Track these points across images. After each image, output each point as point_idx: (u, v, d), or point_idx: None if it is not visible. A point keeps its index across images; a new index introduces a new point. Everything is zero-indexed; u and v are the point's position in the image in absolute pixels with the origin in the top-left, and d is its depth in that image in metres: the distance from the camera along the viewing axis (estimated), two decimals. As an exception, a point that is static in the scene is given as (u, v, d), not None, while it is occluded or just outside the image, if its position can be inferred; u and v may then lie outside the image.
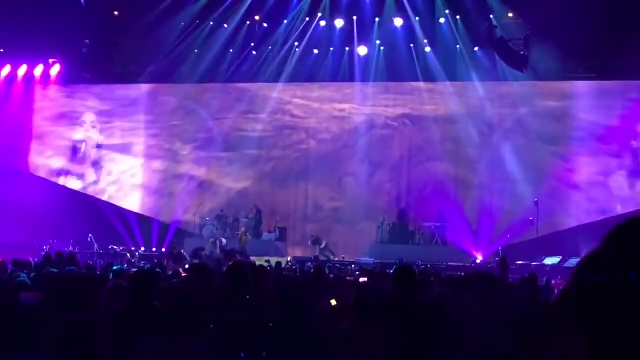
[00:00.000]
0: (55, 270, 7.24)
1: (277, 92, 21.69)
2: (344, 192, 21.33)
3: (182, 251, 14.18)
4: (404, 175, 21.08)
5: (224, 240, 18.51)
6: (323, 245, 19.42)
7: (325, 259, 18.07)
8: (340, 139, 21.54)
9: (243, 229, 19.08)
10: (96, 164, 22.70)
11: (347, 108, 21.59)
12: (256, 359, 4.64)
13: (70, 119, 22.98)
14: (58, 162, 22.92)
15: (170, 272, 8.69)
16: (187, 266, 9.13)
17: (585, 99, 19.83)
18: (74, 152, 22.88)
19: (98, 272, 8.68)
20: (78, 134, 22.91)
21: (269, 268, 9.67)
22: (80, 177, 22.75)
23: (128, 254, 18.25)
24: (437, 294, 5.21)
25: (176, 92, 22.32)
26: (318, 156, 21.53)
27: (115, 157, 22.60)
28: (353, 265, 15.98)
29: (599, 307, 1.03)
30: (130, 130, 22.53)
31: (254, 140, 21.80)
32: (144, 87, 22.48)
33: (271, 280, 6.73)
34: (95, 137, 22.77)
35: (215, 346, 4.06)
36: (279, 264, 13.36)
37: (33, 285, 6.17)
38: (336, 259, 18.67)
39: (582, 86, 19.97)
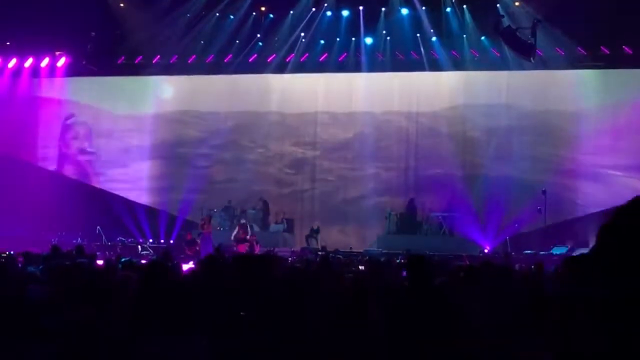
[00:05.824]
0: (64, 263, 7.26)
1: (283, 86, 21.70)
2: (352, 183, 21.33)
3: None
4: (411, 165, 21.06)
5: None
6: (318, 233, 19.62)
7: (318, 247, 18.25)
8: (347, 133, 21.56)
9: (206, 217, 18.35)
10: (103, 156, 22.75)
11: (352, 105, 21.55)
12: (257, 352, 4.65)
13: (77, 110, 23.02)
14: (65, 154, 23.00)
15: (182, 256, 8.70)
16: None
17: (593, 88, 19.69)
18: (81, 143, 22.95)
19: (106, 265, 8.70)
20: (84, 126, 22.96)
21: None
22: (87, 169, 22.82)
23: (139, 246, 18.32)
24: (440, 283, 5.24)
25: (182, 84, 22.34)
26: (325, 149, 21.57)
27: (121, 149, 22.64)
28: (360, 257, 16.01)
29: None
30: (136, 122, 22.55)
31: (260, 134, 21.82)
32: (150, 79, 22.48)
33: (280, 270, 6.75)
34: (101, 128, 22.82)
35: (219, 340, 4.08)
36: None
37: (42, 278, 6.19)
38: (316, 247, 18.62)
39: (590, 75, 19.83)
